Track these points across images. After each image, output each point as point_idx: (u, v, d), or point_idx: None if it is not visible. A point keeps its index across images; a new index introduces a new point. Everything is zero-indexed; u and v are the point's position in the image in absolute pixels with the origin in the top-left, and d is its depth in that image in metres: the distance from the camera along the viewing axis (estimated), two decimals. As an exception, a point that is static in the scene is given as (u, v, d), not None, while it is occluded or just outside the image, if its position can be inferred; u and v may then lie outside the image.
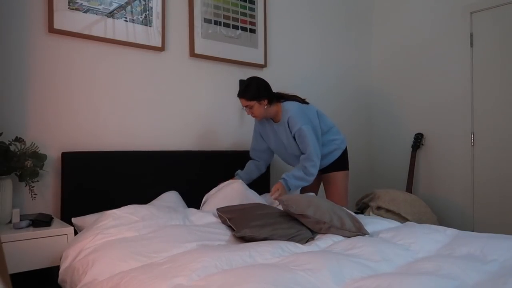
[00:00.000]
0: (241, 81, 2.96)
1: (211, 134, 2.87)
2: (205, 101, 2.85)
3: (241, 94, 2.42)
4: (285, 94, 2.53)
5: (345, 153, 2.65)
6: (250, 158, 2.72)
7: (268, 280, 1.22)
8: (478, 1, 3.26)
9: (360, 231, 1.91)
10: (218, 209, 2.07)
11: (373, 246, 1.63)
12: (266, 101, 2.42)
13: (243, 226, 1.82)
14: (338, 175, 2.61)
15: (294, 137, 2.43)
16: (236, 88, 3.00)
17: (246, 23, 3.02)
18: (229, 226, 1.94)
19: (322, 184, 2.80)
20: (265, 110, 2.44)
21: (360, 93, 3.96)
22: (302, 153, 2.42)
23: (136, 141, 2.53)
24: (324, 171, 2.64)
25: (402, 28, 3.80)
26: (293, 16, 3.41)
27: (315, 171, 2.39)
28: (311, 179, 2.40)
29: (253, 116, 2.47)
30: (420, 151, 3.63)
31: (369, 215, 3.08)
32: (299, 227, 1.87)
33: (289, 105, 2.44)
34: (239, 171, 2.66)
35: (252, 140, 2.69)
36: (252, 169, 2.65)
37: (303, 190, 2.77)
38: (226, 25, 2.91)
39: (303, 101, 2.53)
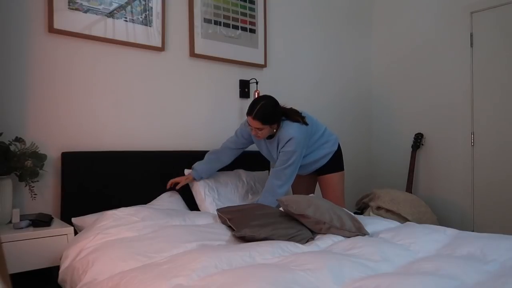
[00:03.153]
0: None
1: (211, 134, 2.87)
2: (205, 101, 2.85)
3: (256, 117, 2.25)
4: (286, 110, 2.40)
5: (338, 154, 2.61)
6: (229, 157, 2.56)
7: (268, 280, 1.22)
8: (478, 1, 3.26)
9: (360, 231, 1.91)
10: (218, 210, 2.08)
11: (373, 246, 1.63)
12: (276, 125, 2.33)
13: (243, 225, 1.82)
14: (334, 177, 2.60)
15: (279, 151, 2.37)
16: (236, 88, 3.00)
17: (246, 23, 3.02)
18: (229, 227, 1.94)
19: (318, 185, 2.79)
20: (270, 132, 2.35)
21: (360, 93, 3.96)
22: (277, 164, 2.35)
23: (136, 141, 2.53)
24: (319, 172, 2.63)
25: (402, 28, 3.80)
26: (293, 16, 3.41)
27: (283, 193, 2.34)
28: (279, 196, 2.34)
29: (258, 137, 2.36)
30: (420, 151, 3.63)
31: (369, 215, 3.08)
32: (299, 227, 1.87)
33: (291, 128, 2.32)
34: (196, 164, 2.48)
35: (231, 139, 2.55)
36: (216, 159, 2.50)
37: (297, 192, 2.76)
38: (226, 25, 2.91)
39: (302, 120, 2.39)
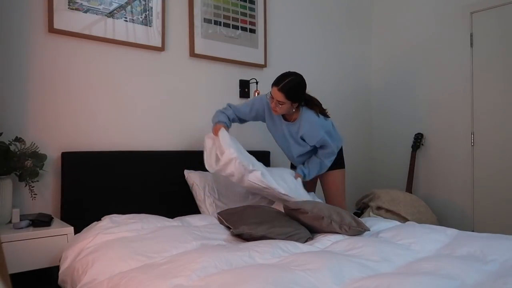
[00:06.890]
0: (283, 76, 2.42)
1: (211, 134, 2.87)
2: (205, 101, 2.85)
3: (281, 89, 2.20)
4: (309, 98, 2.41)
5: (341, 151, 2.64)
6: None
7: (268, 280, 1.22)
8: (478, 1, 3.26)
9: (360, 226, 1.91)
10: (218, 213, 2.08)
11: (373, 246, 1.63)
12: (296, 104, 2.32)
13: (240, 223, 1.83)
14: (336, 173, 2.61)
15: (311, 145, 2.44)
16: (236, 88, 3.00)
17: (246, 23, 3.02)
18: (228, 227, 1.94)
19: (319, 184, 2.79)
20: (289, 110, 2.34)
21: (360, 93, 3.96)
22: (320, 148, 2.46)
23: (136, 141, 2.53)
24: None
25: (402, 28, 3.80)
26: (293, 16, 3.41)
27: (329, 165, 2.49)
28: (324, 171, 2.52)
29: (275, 111, 2.32)
30: (420, 151, 3.62)
31: (369, 215, 3.08)
32: (297, 226, 1.87)
33: (307, 116, 2.35)
34: (220, 118, 2.41)
35: (244, 108, 2.49)
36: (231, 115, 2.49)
37: None
38: (226, 25, 2.91)
39: (321, 111, 2.41)
